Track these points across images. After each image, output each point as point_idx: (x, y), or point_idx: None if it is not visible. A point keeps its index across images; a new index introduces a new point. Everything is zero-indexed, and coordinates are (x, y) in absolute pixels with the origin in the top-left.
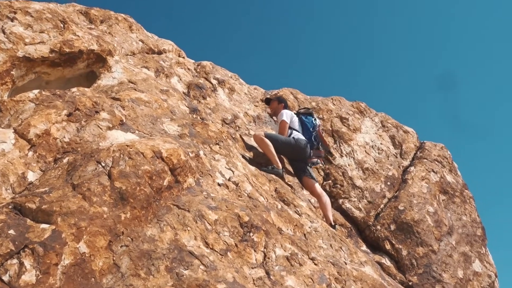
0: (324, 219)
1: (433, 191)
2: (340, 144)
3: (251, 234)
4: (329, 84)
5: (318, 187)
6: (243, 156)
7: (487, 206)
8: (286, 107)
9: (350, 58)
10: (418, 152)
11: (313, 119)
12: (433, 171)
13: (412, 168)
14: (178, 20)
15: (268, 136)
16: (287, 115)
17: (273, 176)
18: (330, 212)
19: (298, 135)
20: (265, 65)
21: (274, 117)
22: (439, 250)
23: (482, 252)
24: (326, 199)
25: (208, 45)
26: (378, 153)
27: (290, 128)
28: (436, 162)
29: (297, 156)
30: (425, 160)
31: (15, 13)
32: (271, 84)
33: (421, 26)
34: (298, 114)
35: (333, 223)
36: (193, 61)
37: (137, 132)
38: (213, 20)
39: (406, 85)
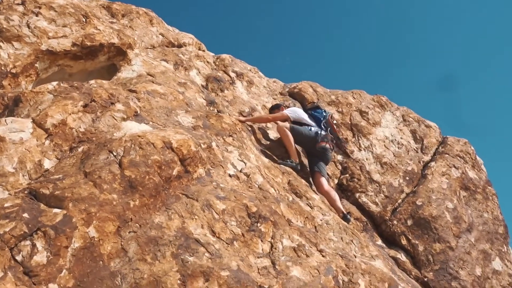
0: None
1: (454, 187)
2: (359, 138)
3: (259, 224)
4: (329, 84)
5: (325, 184)
6: (258, 149)
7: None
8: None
9: (350, 58)
10: (440, 147)
11: (322, 111)
12: (455, 167)
13: (433, 163)
14: (200, 14)
15: (292, 129)
16: (291, 109)
17: (288, 169)
18: (339, 202)
19: (315, 128)
20: (286, 60)
21: None
22: (457, 247)
23: (503, 250)
24: (334, 194)
25: (230, 39)
26: (398, 148)
27: (304, 124)
28: (458, 158)
29: (312, 147)
30: (447, 155)
31: (39, 8)
32: (291, 78)
33: (422, 27)
34: (306, 111)
35: (345, 212)
36: (212, 54)
37: (151, 123)
38: (236, 13)
39: (407, 85)
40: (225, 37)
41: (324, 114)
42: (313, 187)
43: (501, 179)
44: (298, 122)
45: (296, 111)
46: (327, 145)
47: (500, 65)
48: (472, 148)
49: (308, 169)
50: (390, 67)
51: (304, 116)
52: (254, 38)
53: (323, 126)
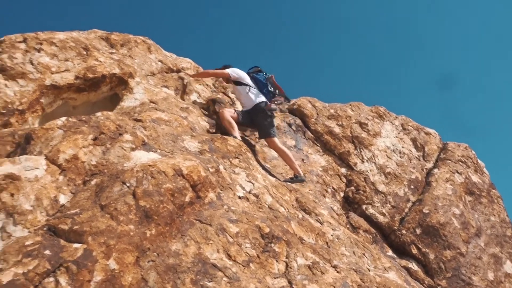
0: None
1: (459, 193)
2: (361, 149)
3: (272, 244)
4: (327, 84)
5: (278, 143)
6: (264, 168)
7: None
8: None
9: (349, 58)
10: (442, 154)
11: (263, 73)
12: (458, 172)
13: (435, 170)
14: (194, 36)
15: (244, 114)
16: (232, 69)
17: (294, 186)
18: (295, 163)
19: (256, 99)
20: (282, 75)
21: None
22: (467, 253)
23: None
24: (287, 151)
25: (225, 57)
26: (400, 157)
27: (245, 84)
28: (460, 163)
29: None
30: (449, 161)
31: (41, 44)
32: (289, 93)
33: (421, 26)
34: (249, 74)
35: (301, 173)
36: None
37: (159, 151)
38: (229, 31)
39: (406, 85)
40: (217, 55)
41: (266, 76)
42: (320, 202)
43: (501, 180)
44: (238, 82)
45: (237, 72)
46: (276, 106)
47: (501, 65)
48: (473, 152)
49: (260, 135)
50: (389, 66)
51: (245, 77)
52: (243, 52)
53: (269, 88)
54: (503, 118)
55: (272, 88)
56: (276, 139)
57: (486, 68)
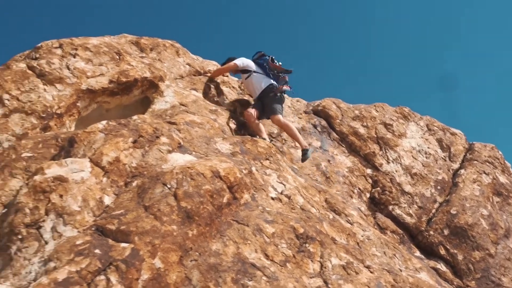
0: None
1: (486, 193)
2: (386, 150)
3: (307, 245)
4: (326, 84)
5: (281, 118)
6: (292, 169)
7: None
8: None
9: (349, 57)
10: (468, 154)
11: (266, 57)
12: (485, 173)
13: (462, 171)
14: (218, 38)
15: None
16: (239, 59)
17: (323, 187)
18: (300, 136)
19: (263, 84)
20: (305, 77)
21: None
22: (496, 254)
23: None
24: (292, 125)
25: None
26: (426, 157)
27: (250, 71)
28: (487, 163)
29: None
30: (476, 161)
31: (76, 49)
32: (313, 95)
33: (422, 26)
34: (254, 61)
35: (307, 146)
36: (236, 79)
37: (194, 153)
38: (253, 33)
39: (407, 85)
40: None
41: (266, 58)
42: (348, 202)
43: None
44: (245, 70)
45: (244, 60)
46: (286, 88)
47: (502, 65)
48: (500, 152)
49: (265, 114)
50: (389, 66)
51: (252, 65)
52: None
53: (270, 72)
54: (503, 118)
55: (271, 70)
56: (280, 116)
57: (487, 68)
